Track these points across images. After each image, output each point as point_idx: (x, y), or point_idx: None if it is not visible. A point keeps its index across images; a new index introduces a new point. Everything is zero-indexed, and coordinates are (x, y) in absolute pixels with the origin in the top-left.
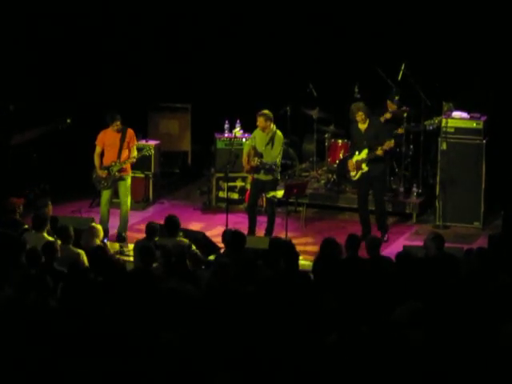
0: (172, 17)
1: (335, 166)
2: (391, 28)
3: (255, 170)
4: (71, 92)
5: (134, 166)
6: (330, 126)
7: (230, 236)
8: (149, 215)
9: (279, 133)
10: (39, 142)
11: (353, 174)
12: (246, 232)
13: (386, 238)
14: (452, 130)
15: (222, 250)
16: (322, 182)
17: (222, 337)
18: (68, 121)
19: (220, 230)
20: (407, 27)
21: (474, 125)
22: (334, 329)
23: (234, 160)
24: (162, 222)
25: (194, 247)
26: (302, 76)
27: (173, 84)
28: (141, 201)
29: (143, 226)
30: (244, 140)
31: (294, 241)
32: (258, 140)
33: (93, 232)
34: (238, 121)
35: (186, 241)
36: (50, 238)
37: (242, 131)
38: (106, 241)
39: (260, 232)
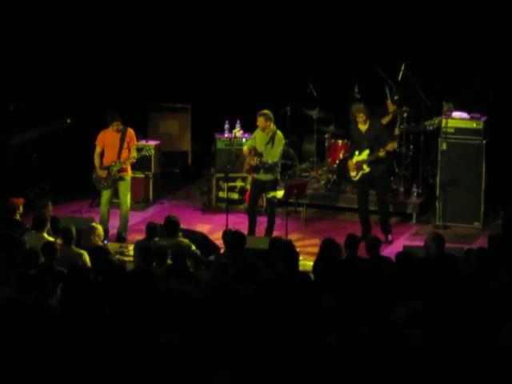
0: (172, 17)
1: (335, 166)
2: (391, 28)
3: (255, 169)
4: (71, 92)
5: (134, 166)
6: (330, 127)
7: (230, 236)
8: (149, 215)
9: (279, 133)
10: (39, 142)
11: (353, 174)
12: (246, 232)
13: (390, 239)
14: (452, 130)
15: (221, 250)
16: (322, 182)
17: (222, 337)
18: (68, 121)
19: None
20: (407, 27)
21: (474, 125)
22: (333, 329)
23: (234, 160)
24: (162, 222)
25: (193, 247)
26: (302, 76)
27: (173, 84)
28: (141, 201)
29: (143, 226)
30: (244, 140)
31: (294, 241)
32: (258, 140)
33: (94, 232)
34: (238, 121)
35: (185, 241)
36: (50, 238)
37: (242, 131)
38: (105, 242)
39: (260, 232)
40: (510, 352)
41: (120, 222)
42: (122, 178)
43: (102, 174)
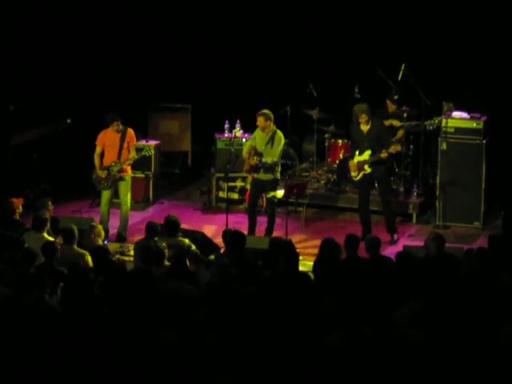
0: (172, 17)
1: (335, 166)
2: (391, 28)
3: (255, 169)
4: (71, 92)
5: (135, 166)
6: (330, 127)
7: (230, 236)
8: (149, 215)
9: (279, 132)
10: (39, 142)
11: (354, 174)
12: (246, 232)
13: (396, 238)
14: (452, 130)
15: (221, 250)
16: (322, 182)
17: (222, 337)
18: (68, 121)
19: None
20: (407, 27)
21: (474, 125)
22: (333, 329)
23: (234, 160)
24: (162, 222)
25: (193, 247)
26: (302, 76)
27: (173, 84)
28: (141, 201)
29: (143, 226)
30: (244, 140)
31: (294, 241)
32: (259, 140)
33: (94, 231)
34: (238, 121)
35: (185, 241)
36: (50, 238)
37: (242, 131)
38: (106, 242)
39: (260, 232)
40: (510, 352)
41: (120, 221)
42: (122, 178)
43: (102, 174)
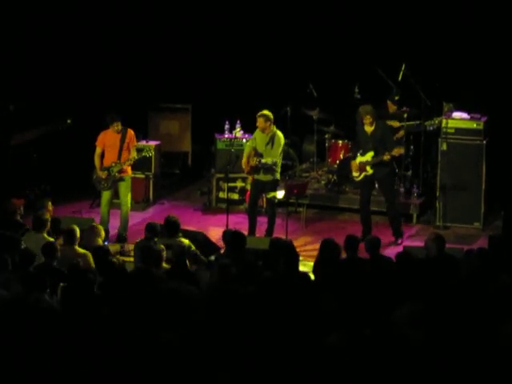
0: (172, 17)
1: (335, 166)
2: (391, 28)
3: (255, 170)
4: (71, 92)
5: (135, 167)
6: (330, 127)
7: (230, 236)
8: (149, 216)
9: (279, 133)
10: (39, 142)
11: (355, 174)
12: (246, 233)
13: (399, 242)
14: (452, 131)
15: (221, 250)
16: (323, 182)
17: (222, 337)
18: (68, 121)
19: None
20: (407, 27)
21: (475, 125)
22: (333, 329)
23: (235, 160)
24: (162, 222)
25: (193, 247)
26: (302, 76)
27: (173, 84)
28: (141, 201)
29: (143, 227)
30: (244, 141)
31: (294, 241)
32: (259, 141)
33: (95, 231)
34: (239, 121)
35: (185, 241)
36: (50, 239)
37: (242, 132)
38: (106, 243)
39: (260, 232)
40: (510, 352)
41: (120, 222)
42: (122, 179)
43: (103, 174)
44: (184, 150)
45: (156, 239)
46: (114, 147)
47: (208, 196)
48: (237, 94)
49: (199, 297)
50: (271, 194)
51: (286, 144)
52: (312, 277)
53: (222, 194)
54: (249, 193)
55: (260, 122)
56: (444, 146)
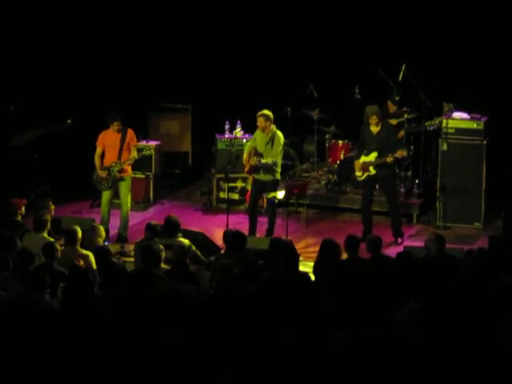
0: (172, 17)
1: (336, 166)
2: (391, 28)
3: (255, 170)
4: (71, 92)
5: (135, 167)
6: (330, 127)
7: (230, 236)
8: (149, 216)
9: (279, 133)
10: (40, 142)
11: (358, 174)
12: (246, 233)
13: (400, 242)
14: (452, 131)
15: (222, 251)
16: (323, 182)
17: (223, 337)
18: (68, 121)
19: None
20: (407, 28)
21: (475, 125)
22: (333, 329)
23: (235, 161)
24: (162, 222)
25: (194, 247)
26: (302, 76)
27: (173, 84)
28: (141, 201)
29: (144, 227)
30: (244, 141)
31: (295, 241)
32: (259, 140)
33: (96, 232)
34: (239, 121)
35: (186, 241)
36: (51, 239)
37: (242, 132)
38: (106, 243)
39: (261, 233)
40: (510, 352)
41: (120, 222)
42: (122, 179)
43: (103, 174)
44: (184, 150)
45: (156, 239)
46: (115, 147)
47: (208, 196)
48: (237, 93)
49: (200, 297)
50: (271, 194)
51: (286, 144)
52: (312, 277)
53: (222, 194)
54: (249, 193)
55: (260, 121)
56: (444, 146)
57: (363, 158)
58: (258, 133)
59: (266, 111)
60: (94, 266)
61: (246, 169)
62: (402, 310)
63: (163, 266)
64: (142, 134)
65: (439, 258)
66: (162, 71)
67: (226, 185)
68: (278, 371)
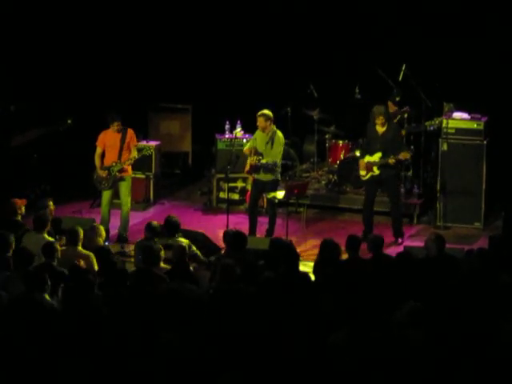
0: (172, 17)
1: (336, 166)
2: (391, 28)
3: (255, 169)
4: (71, 92)
5: (135, 167)
6: (330, 127)
7: (231, 236)
8: (149, 216)
9: (279, 133)
10: (40, 142)
11: (362, 173)
12: (246, 233)
13: (400, 242)
14: (453, 131)
15: (222, 251)
16: (323, 182)
17: (223, 337)
18: (68, 121)
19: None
20: (407, 28)
21: (475, 125)
22: (333, 329)
23: (235, 161)
24: (162, 222)
25: (194, 247)
26: (302, 76)
27: (173, 84)
28: (141, 201)
29: (144, 227)
30: (244, 141)
31: (295, 241)
32: (259, 140)
33: (96, 231)
34: (239, 121)
35: (185, 241)
36: (51, 239)
37: (242, 132)
38: (107, 243)
39: (261, 233)
40: (510, 352)
41: (121, 222)
42: (122, 179)
43: (103, 174)
44: (184, 150)
45: (156, 239)
46: (115, 147)
47: (208, 196)
48: (237, 93)
49: (200, 297)
50: (271, 194)
51: (286, 144)
52: (312, 277)
53: (222, 194)
54: (249, 193)
55: (260, 121)
56: (444, 146)
57: (367, 158)
58: (258, 133)
59: (265, 111)
60: (96, 267)
61: (246, 167)
62: (401, 310)
63: (163, 265)
64: (142, 134)
65: (439, 258)
66: (162, 71)
67: (226, 185)
68: (278, 371)
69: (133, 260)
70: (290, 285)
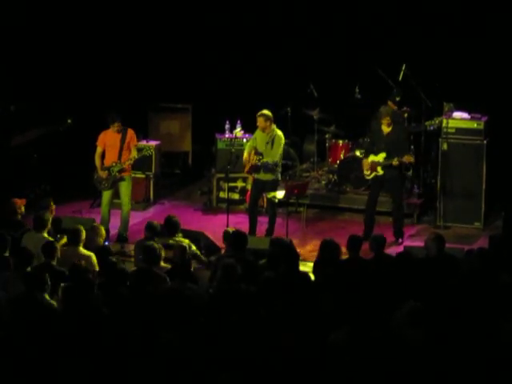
0: (173, 17)
1: (336, 166)
2: (391, 28)
3: (255, 169)
4: (71, 92)
5: (135, 167)
6: (330, 127)
7: (231, 236)
8: (149, 216)
9: (280, 133)
10: (40, 142)
11: (367, 173)
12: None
13: (400, 242)
14: (453, 131)
15: (222, 251)
16: (323, 182)
17: (223, 337)
18: (68, 121)
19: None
20: (407, 28)
21: (475, 125)
22: (333, 329)
23: (235, 160)
24: (162, 222)
25: (194, 247)
26: (302, 76)
27: (173, 84)
28: (141, 201)
29: (144, 227)
30: (244, 141)
31: (295, 241)
32: (259, 140)
33: (96, 231)
34: (239, 121)
35: (185, 241)
36: (51, 239)
37: (242, 131)
38: (107, 243)
39: (261, 232)
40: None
41: (121, 222)
42: (122, 179)
43: (103, 174)
44: (184, 149)
45: (156, 239)
46: (115, 147)
47: (208, 196)
48: (237, 94)
49: (200, 297)
50: (271, 194)
51: (286, 144)
52: (312, 277)
53: (222, 194)
54: (249, 193)
55: (260, 121)
56: (444, 146)
57: (372, 157)
58: (258, 132)
59: (265, 111)
60: (96, 267)
61: (246, 169)
62: (401, 310)
63: (163, 264)
64: (142, 134)
65: (439, 258)
66: (162, 71)
67: (226, 185)
68: (278, 371)
69: (133, 260)
70: (290, 285)
